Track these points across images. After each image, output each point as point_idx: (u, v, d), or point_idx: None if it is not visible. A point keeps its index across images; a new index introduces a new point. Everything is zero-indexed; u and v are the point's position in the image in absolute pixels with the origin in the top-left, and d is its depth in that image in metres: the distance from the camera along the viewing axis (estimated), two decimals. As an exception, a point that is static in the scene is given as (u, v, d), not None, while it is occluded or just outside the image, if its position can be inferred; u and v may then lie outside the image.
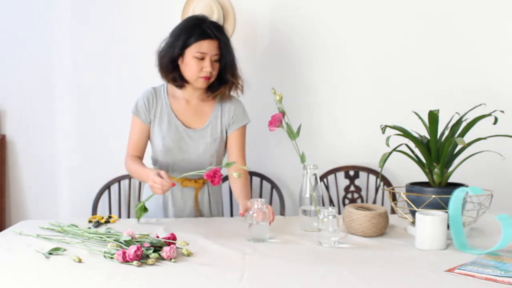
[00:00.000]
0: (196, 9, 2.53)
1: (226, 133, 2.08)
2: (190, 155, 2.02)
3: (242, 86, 2.07)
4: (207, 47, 1.93)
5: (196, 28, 1.94)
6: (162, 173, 1.77)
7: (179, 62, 1.98)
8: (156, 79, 2.08)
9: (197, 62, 1.93)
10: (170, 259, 1.43)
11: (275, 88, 1.83)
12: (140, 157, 2.05)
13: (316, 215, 1.72)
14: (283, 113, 1.78)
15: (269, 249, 1.54)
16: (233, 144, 2.07)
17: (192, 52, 1.93)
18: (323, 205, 2.66)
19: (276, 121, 1.77)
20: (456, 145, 1.70)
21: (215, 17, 2.53)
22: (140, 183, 2.72)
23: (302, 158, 1.79)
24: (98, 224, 1.85)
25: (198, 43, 1.92)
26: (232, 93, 2.08)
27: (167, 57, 1.97)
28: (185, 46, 1.94)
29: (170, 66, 1.98)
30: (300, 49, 2.67)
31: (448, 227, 1.54)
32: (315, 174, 1.80)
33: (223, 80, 2.01)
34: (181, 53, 1.96)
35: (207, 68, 1.93)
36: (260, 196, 2.69)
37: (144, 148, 2.07)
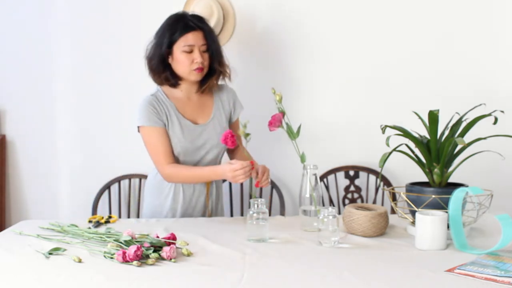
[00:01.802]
0: (196, 9, 2.53)
1: (230, 121, 2.13)
2: (207, 150, 2.05)
3: (229, 74, 2.08)
4: (193, 38, 1.94)
5: (178, 23, 1.96)
6: (234, 161, 1.82)
7: (169, 60, 1.99)
8: (156, 79, 2.08)
9: (187, 56, 1.94)
10: (170, 259, 1.43)
11: (275, 88, 1.83)
12: (177, 162, 2.01)
13: (316, 215, 1.72)
14: (283, 113, 1.78)
15: (269, 249, 1.54)
16: (236, 131, 2.12)
17: (179, 47, 1.94)
18: (323, 205, 2.66)
19: (276, 121, 1.77)
20: (456, 145, 1.70)
21: (215, 17, 2.53)
22: (140, 183, 2.72)
23: (302, 158, 1.79)
24: (98, 224, 1.85)
25: (183, 37, 1.94)
26: (221, 81, 2.10)
27: (156, 58, 1.98)
28: (171, 42, 1.95)
29: (161, 66, 1.98)
30: (300, 49, 2.67)
31: (448, 227, 1.54)
32: (315, 174, 1.80)
33: (212, 70, 2.03)
34: (169, 51, 1.97)
35: (198, 59, 1.94)
36: (260, 196, 2.69)
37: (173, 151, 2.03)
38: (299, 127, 1.80)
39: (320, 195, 1.80)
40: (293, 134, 1.79)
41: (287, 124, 1.79)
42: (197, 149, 2.03)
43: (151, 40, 2.02)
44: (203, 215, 2.11)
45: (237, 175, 1.78)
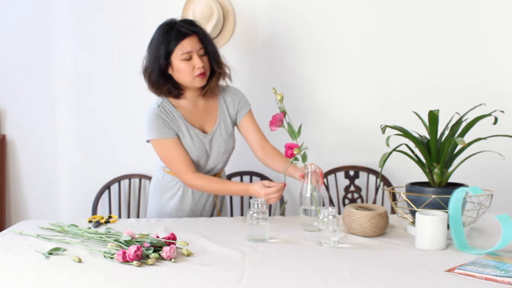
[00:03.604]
0: (196, 9, 2.53)
1: (235, 123, 2.10)
2: (215, 157, 2.05)
3: (229, 74, 2.06)
4: (189, 44, 1.90)
5: (171, 32, 1.90)
6: (267, 182, 1.82)
7: (170, 71, 1.94)
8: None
9: (187, 64, 1.90)
10: (170, 259, 1.43)
11: (275, 88, 1.83)
12: (196, 169, 1.99)
13: (316, 215, 1.72)
14: (284, 113, 1.78)
15: (269, 249, 1.54)
16: (250, 128, 2.09)
17: (177, 56, 1.89)
18: (323, 205, 2.66)
19: (277, 121, 1.77)
20: (456, 145, 1.70)
21: (215, 17, 2.53)
22: (140, 183, 2.73)
23: (303, 158, 1.79)
24: (98, 224, 1.85)
25: (179, 45, 1.89)
26: (222, 82, 2.09)
27: (156, 71, 1.92)
28: (168, 53, 1.89)
29: (161, 80, 1.94)
30: (300, 49, 2.67)
31: (448, 227, 1.54)
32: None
33: (212, 71, 1.99)
34: (167, 62, 1.91)
35: (199, 64, 1.90)
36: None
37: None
38: (300, 127, 1.80)
39: (321, 196, 1.79)
40: (294, 134, 1.79)
41: (288, 123, 1.79)
42: (207, 157, 2.03)
43: (145, 55, 1.97)
44: (212, 214, 2.12)
45: (271, 198, 1.79)
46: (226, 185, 1.98)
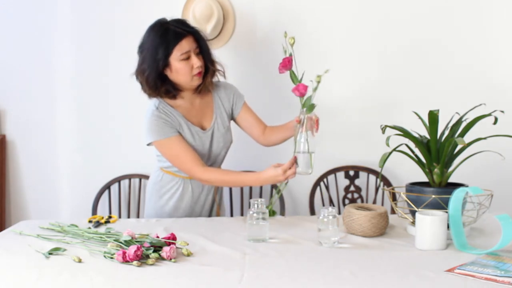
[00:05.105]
0: (196, 9, 2.53)
1: (232, 117, 2.12)
2: (215, 152, 2.06)
3: (223, 72, 2.07)
4: (187, 44, 1.91)
5: (167, 34, 1.90)
6: (275, 164, 1.83)
7: (167, 73, 1.94)
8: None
9: (185, 63, 1.91)
10: (170, 259, 1.43)
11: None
12: (204, 163, 1.99)
13: (309, 159, 1.76)
14: (291, 57, 1.83)
15: (269, 249, 1.54)
16: (250, 118, 2.13)
17: (176, 57, 1.90)
18: (323, 205, 2.66)
19: (287, 63, 1.81)
20: (456, 145, 1.70)
21: (215, 17, 2.53)
22: (140, 183, 2.72)
23: (305, 104, 1.84)
24: (98, 224, 1.85)
25: (178, 46, 1.89)
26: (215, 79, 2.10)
27: (153, 74, 1.92)
28: (167, 55, 1.89)
29: (158, 82, 1.93)
30: (300, 49, 2.66)
31: (448, 227, 1.55)
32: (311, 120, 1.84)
33: (206, 69, 2.00)
34: (166, 64, 1.91)
35: (197, 64, 1.92)
36: (260, 196, 2.69)
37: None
38: (302, 74, 1.80)
39: (315, 142, 1.79)
40: (296, 79, 1.84)
41: (291, 70, 1.84)
42: (209, 153, 2.04)
43: (140, 58, 1.96)
44: (211, 214, 2.13)
45: (289, 174, 1.80)
46: (237, 176, 1.98)
